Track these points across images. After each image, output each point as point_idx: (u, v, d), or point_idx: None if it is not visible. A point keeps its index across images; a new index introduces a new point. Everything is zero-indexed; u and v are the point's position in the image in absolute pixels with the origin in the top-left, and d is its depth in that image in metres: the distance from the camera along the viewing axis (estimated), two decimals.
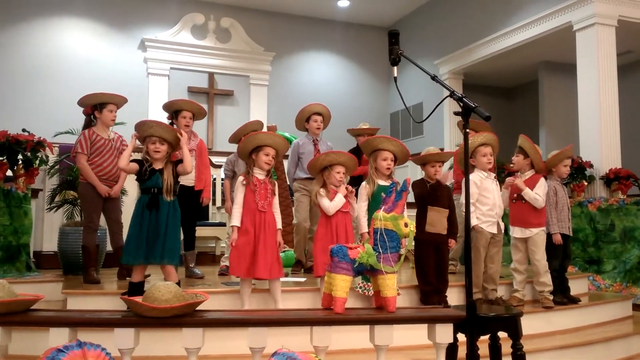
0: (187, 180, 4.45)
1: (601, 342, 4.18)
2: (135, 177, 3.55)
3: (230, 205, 4.86)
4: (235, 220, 3.62)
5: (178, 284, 3.50)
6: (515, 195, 4.48)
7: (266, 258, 3.56)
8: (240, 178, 3.70)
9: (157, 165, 3.49)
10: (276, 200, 3.77)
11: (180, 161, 3.55)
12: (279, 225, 3.72)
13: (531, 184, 4.43)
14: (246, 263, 3.56)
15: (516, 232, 4.48)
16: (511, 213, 4.56)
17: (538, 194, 4.40)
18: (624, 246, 6.26)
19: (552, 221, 4.57)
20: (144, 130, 3.48)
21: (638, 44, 8.42)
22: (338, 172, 3.74)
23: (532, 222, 4.43)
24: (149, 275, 4.54)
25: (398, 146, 3.95)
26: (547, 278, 4.44)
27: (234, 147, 5.35)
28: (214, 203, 6.91)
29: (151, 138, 3.46)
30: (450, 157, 4.90)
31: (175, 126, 4.58)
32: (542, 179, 4.49)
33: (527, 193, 4.39)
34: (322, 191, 3.76)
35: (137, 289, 3.43)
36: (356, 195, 3.99)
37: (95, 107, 4.39)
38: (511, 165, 4.55)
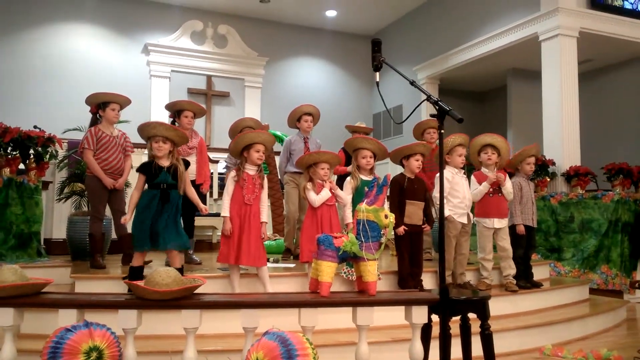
0: (189, 174, 4.44)
1: (561, 322, 4.23)
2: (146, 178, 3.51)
3: None
4: (226, 211, 3.62)
5: (182, 268, 3.51)
6: (492, 189, 4.48)
7: (250, 247, 3.55)
8: (232, 173, 3.68)
9: (163, 163, 3.46)
10: (264, 194, 3.74)
11: (188, 163, 3.63)
12: (264, 218, 3.70)
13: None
14: (233, 251, 3.56)
15: (496, 222, 4.46)
16: (488, 205, 4.48)
17: (511, 187, 4.50)
18: (582, 236, 6.35)
19: (516, 213, 4.61)
20: (147, 131, 3.45)
21: (597, 53, 8.50)
22: (322, 169, 3.77)
23: (505, 212, 4.51)
24: (150, 261, 4.52)
25: (375, 144, 4.02)
26: (512, 263, 4.50)
27: None
28: (210, 195, 6.88)
29: (155, 137, 3.44)
30: (429, 150, 4.73)
31: (177, 125, 4.57)
32: (507, 175, 4.54)
33: (507, 187, 4.46)
34: (309, 185, 3.79)
35: (136, 272, 3.43)
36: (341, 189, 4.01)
37: (100, 106, 4.35)
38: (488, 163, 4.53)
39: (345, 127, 5.83)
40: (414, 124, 5.55)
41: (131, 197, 3.51)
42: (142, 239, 3.39)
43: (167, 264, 4.33)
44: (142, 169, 3.47)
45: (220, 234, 3.74)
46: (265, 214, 3.73)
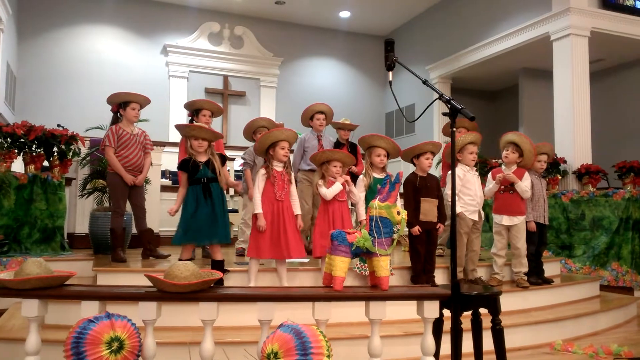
0: None
1: (571, 318, 4.18)
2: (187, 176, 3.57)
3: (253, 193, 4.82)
4: (259, 208, 3.61)
5: (223, 261, 3.61)
6: (502, 187, 4.45)
7: (289, 241, 3.57)
8: (262, 171, 3.68)
9: (201, 159, 3.53)
10: (293, 188, 3.75)
11: (225, 158, 3.73)
12: (297, 211, 3.72)
13: (518, 177, 4.41)
14: (265, 246, 3.57)
15: (504, 220, 4.42)
16: (499, 203, 4.48)
17: (527, 186, 4.40)
18: (593, 233, 6.27)
19: (527, 211, 4.56)
20: (188, 131, 3.57)
21: (608, 52, 8.39)
22: (335, 166, 3.76)
23: (518, 210, 4.42)
24: (169, 255, 4.56)
25: (390, 143, 4.00)
26: (525, 261, 4.45)
27: (248, 141, 5.34)
28: (227, 192, 6.90)
29: (196, 137, 3.54)
30: (439, 148, 4.76)
31: (195, 123, 4.59)
32: (527, 173, 4.47)
33: (520, 185, 4.37)
34: (320, 182, 3.79)
35: None
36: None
37: (120, 105, 4.39)
38: (500, 160, 4.48)
39: (330, 124, 5.69)
40: (426, 122, 5.50)
41: (179, 192, 3.57)
42: (185, 235, 3.44)
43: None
44: (181, 166, 3.55)
45: (236, 229, 3.74)
46: (298, 207, 3.74)
